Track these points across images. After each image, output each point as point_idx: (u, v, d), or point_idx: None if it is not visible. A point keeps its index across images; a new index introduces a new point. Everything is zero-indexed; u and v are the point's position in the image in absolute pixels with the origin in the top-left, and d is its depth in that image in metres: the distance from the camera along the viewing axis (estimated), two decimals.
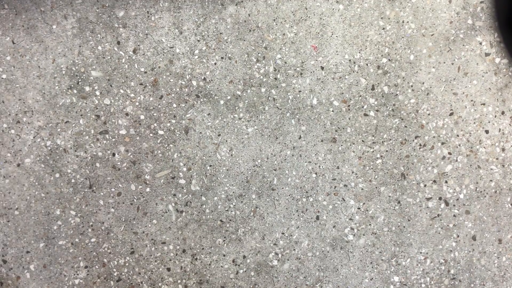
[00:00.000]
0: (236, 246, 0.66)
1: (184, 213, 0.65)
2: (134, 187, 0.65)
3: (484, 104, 0.65)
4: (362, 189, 0.66)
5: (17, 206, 0.64)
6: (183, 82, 0.64)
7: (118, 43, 0.63)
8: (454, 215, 0.66)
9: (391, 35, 0.64)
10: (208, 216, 0.65)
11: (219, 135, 0.64)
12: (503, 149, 0.66)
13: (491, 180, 0.66)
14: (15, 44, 0.63)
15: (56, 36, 0.63)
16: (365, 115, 0.65)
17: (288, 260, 0.66)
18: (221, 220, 0.65)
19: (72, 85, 0.63)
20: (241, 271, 0.66)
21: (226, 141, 0.64)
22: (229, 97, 0.64)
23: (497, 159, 0.66)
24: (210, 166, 0.64)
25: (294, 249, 0.66)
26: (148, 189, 0.65)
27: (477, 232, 0.66)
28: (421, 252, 0.66)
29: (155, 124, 0.64)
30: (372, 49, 0.64)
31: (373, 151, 0.66)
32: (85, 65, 0.63)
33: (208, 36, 0.64)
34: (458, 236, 0.66)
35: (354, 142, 0.65)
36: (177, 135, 0.64)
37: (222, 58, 0.64)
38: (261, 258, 0.66)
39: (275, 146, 0.65)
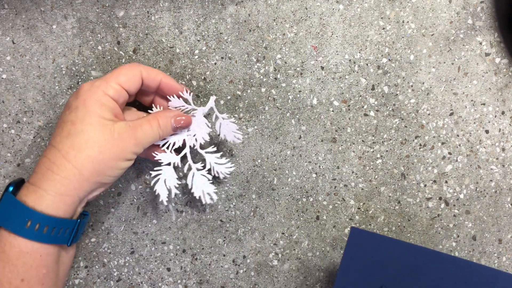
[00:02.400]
0: (236, 246, 0.66)
1: (184, 213, 0.65)
2: (134, 187, 0.65)
3: (484, 104, 0.65)
4: (362, 189, 0.66)
5: None
6: (183, 82, 0.64)
7: (118, 43, 0.63)
8: (454, 215, 0.66)
9: (391, 35, 0.64)
10: (208, 216, 0.65)
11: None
12: (503, 149, 0.66)
13: (491, 180, 0.66)
14: (15, 44, 0.63)
15: (56, 36, 0.63)
16: (365, 115, 0.65)
17: (288, 260, 0.66)
18: (221, 220, 0.65)
19: (72, 85, 0.63)
20: (241, 271, 0.66)
21: (226, 141, 0.64)
22: (229, 97, 0.64)
23: (497, 159, 0.66)
24: None
25: (294, 249, 0.66)
26: (148, 189, 0.65)
27: (477, 232, 0.66)
28: None
29: None
30: (372, 49, 0.64)
31: (373, 151, 0.65)
32: (85, 65, 0.63)
33: (208, 36, 0.64)
34: (458, 236, 0.66)
35: (354, 142, 0.65)
36: None
37: (222, 58, 0.64)
38: (261, 258, 0.66)
39: (275, 146, 0.65)
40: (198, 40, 0.64)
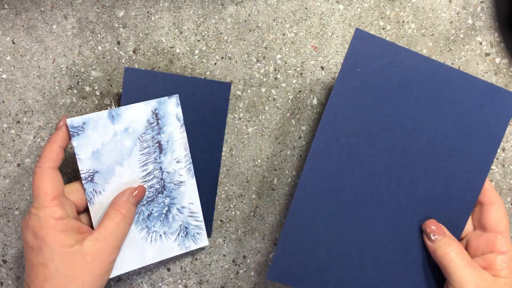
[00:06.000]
0: (236, 246, 0.66)
1: None
2: None
3: None
4: None
5: (17, 206, 0.64)
6: None
7: (118, 43, 0.63)
8: None
9: (391, 35, 0.64)
10: None
11: None
12: (503, 149, 0.66)
13: (491, 180, 0.66)
14: (15, 44, 0.63)
15: (56, 36, 0.63)
16: None
17: None
18: (221, 220, 0.65)
19: (72, 85, 0.63)
20: (241, 271, 0.66)
21: (226, 141, 0.64)
22: (229, 97, 0.64)
23: (497, 159, 0.66)
24: None
25: None
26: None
27: None
28: None
29: None
30: None
31: None
32: (85, 65, 0.63)
33: (208, 36, 0.64)
34: None
35: None
36: None
37: (222, 58, 0.64)
38: (261, 258, 0.66)
39: (275, 146, 0.65)
40: (198, 40, 0.64)
